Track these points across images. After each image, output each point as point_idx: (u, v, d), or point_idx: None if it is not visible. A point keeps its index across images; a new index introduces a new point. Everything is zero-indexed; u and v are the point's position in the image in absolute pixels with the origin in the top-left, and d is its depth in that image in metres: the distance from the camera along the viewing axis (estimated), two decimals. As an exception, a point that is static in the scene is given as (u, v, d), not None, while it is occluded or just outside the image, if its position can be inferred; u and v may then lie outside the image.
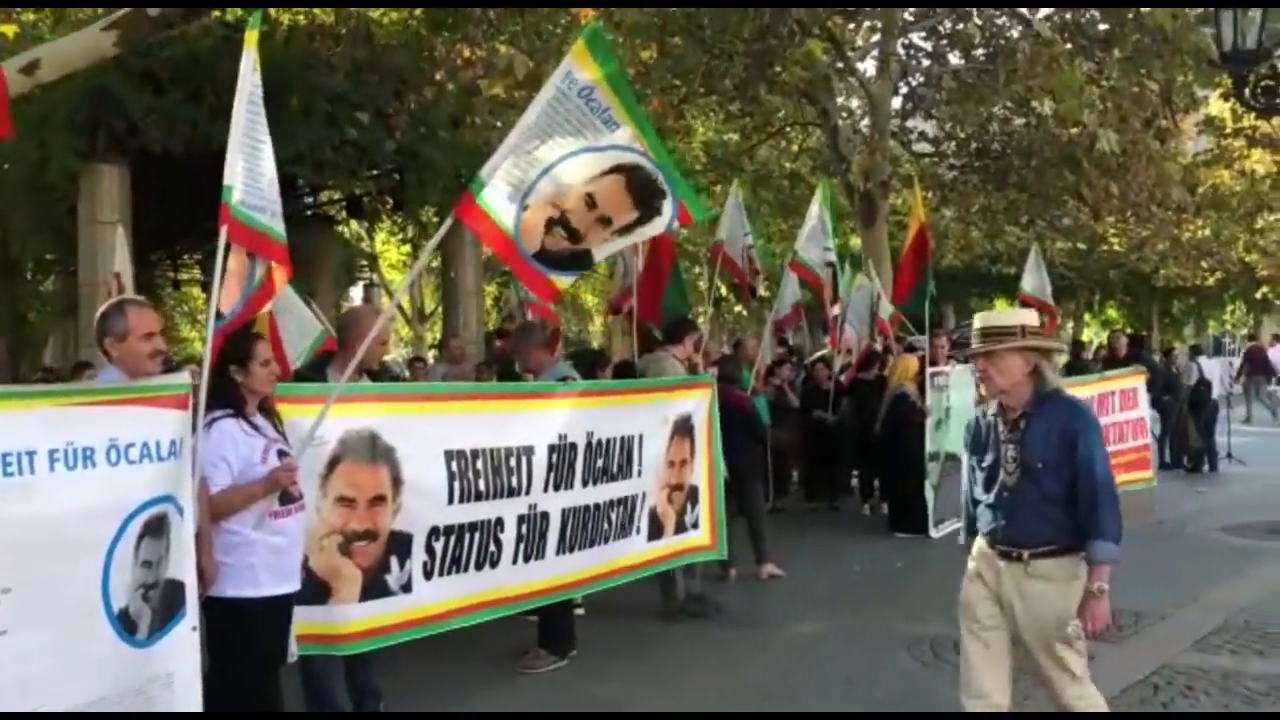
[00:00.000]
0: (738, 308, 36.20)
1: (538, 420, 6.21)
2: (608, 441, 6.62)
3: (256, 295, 4.68)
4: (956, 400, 11.66)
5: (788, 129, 19.49)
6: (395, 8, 10.74)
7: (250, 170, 4.59)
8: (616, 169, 5.94)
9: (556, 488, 6.27)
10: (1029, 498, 4.48)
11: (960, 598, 4.65)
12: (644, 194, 6.05)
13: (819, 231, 11.43)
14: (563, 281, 5.98)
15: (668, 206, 5.97)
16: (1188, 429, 16.36)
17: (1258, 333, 39.21)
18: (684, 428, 7.38)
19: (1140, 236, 26.79)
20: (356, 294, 31.24)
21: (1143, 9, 11.82)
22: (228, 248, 4.52)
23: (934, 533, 11.00)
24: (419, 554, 5.50)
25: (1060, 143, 13.85)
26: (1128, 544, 9.19)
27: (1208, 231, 25.95)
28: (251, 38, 4.51)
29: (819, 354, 15.08)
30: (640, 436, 6.88)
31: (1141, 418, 14.32)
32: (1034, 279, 14.19)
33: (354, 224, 20.17)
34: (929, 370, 11.20)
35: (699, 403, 7.62)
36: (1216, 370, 17.33)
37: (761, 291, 14.06)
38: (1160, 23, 11.25)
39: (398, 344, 42.13)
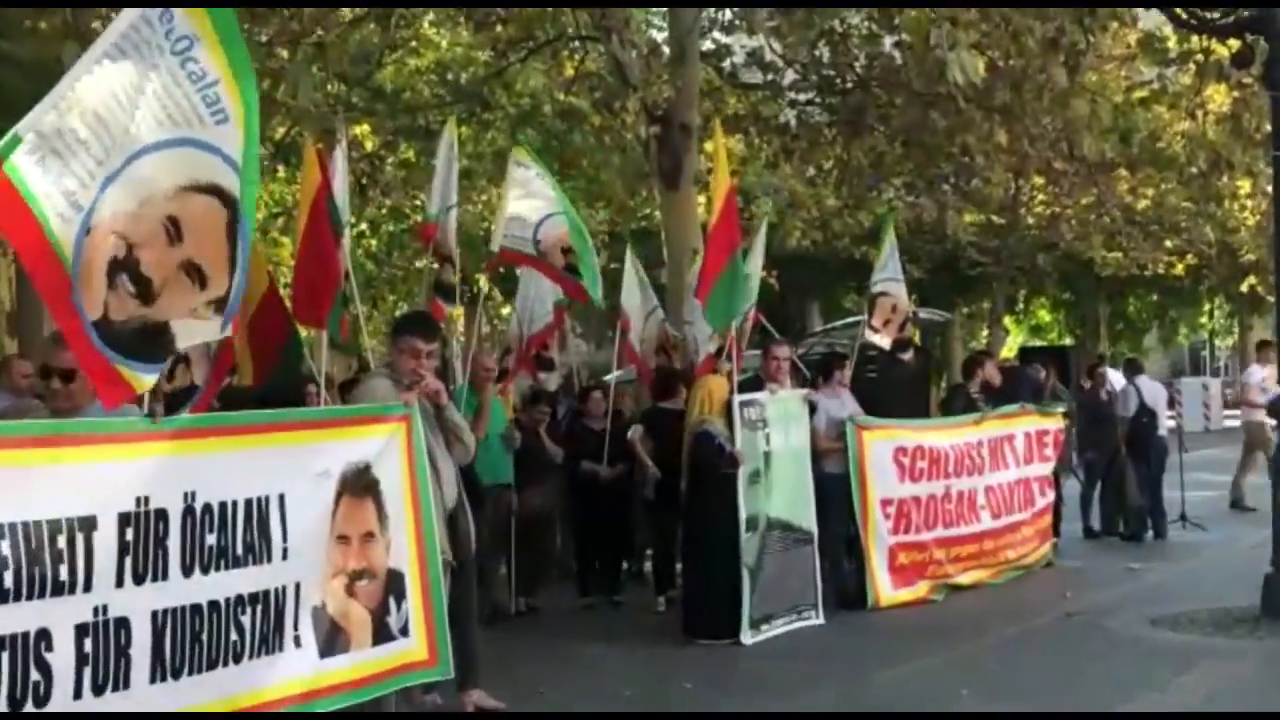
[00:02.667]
0: (506, 308, 36.48)
1: (102, 476, 6.08)
2: (221, 506, 6.56)
3: None
4: (782, 441, 12.04)
5: (560, 44, 19.75)
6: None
7: None
8: (215, 190, 5.95)
9: (139, 579, 6.16)
10: None
11: None
12: (236, 252, 6.08)
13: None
14: (140, 381, 5.94)
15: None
16: (1125, 480, 17.30)
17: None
18: (362, 482, 7.39)
19: (1074, 203, 28.24)
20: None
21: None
22: None
23: (747, 637, 11.28)
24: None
25: (928, 70, 14.50)
26: (1019, 644, 9.62)
27: (1149, 200, 27.44)
28: None
29: (618, 375, 15.37)
30: (281, 498, 6.86)
31: (1048, 473, 15.14)
32: (887, 268, 14.83)
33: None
34: (736, 398, 11.49)
35: (388, 443, 7.62)
36: (1163, 395, 18.23)
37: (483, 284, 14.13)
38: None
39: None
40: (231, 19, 5.84)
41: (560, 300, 14.73)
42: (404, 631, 7.59)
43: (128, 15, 5.57)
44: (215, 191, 5.92)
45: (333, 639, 7.17)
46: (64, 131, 5.54)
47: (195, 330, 6.19)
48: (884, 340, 15.11)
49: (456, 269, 12.73)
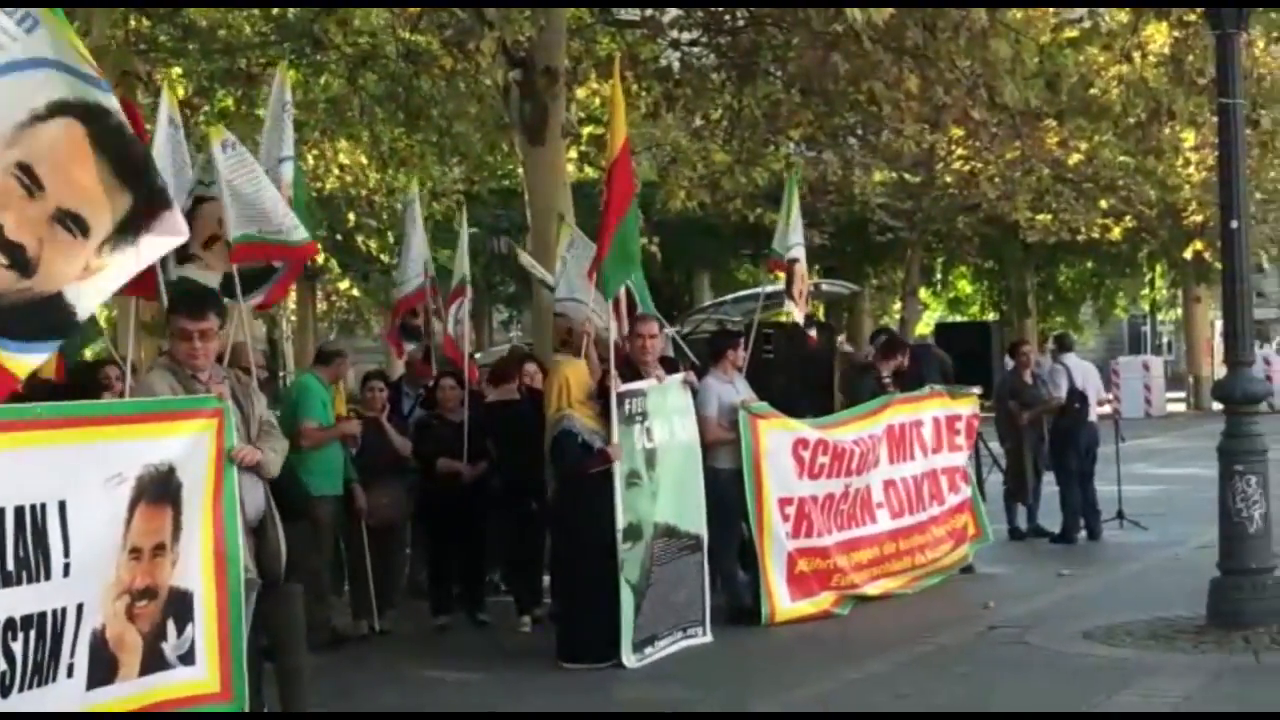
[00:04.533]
0: (344, 282, 36.25)
1: None
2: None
3: None
4: (666, 435, 12.12)
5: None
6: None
7: None
8: (63, 109, 5.77)
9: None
10: None
11: None
12: (128, 159, 5.97)
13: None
14: (22, 365, 5.87)
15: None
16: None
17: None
18: (163, 488, 7.41)
19: (996, 159, 28.51)
20: None
21: None
22: None
23: (630, 660, 11.33)
24: None
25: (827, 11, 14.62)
26: (934, 662, 9.62)
27: (1081, 155, 27.79)
28: None
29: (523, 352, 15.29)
30: (62, 505, 6.84)
31: (963, 465, 15.37)
32: (788, 234, 14.95)
33: None
34: (615, 386, 11.53)
35: (196, 443, 7.62)
36: (1094, 375, 18.52)
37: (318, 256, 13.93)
38: None
39: None
40: None
41: (429, 272, 14.83)
42: (186, 659, 7.57)
43: None
44: (63, 110, 5.73)
45: (104, 667, 7.15)
46: None
47: (99, 286, 6.03)
48: (800, 314, 15.31)
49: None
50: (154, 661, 7.40)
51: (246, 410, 8.32)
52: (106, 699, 7.17)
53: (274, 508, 8.49)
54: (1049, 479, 17.97)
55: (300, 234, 10.82)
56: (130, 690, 7.29)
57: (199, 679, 7.61)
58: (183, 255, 10.69)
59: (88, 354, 14.00)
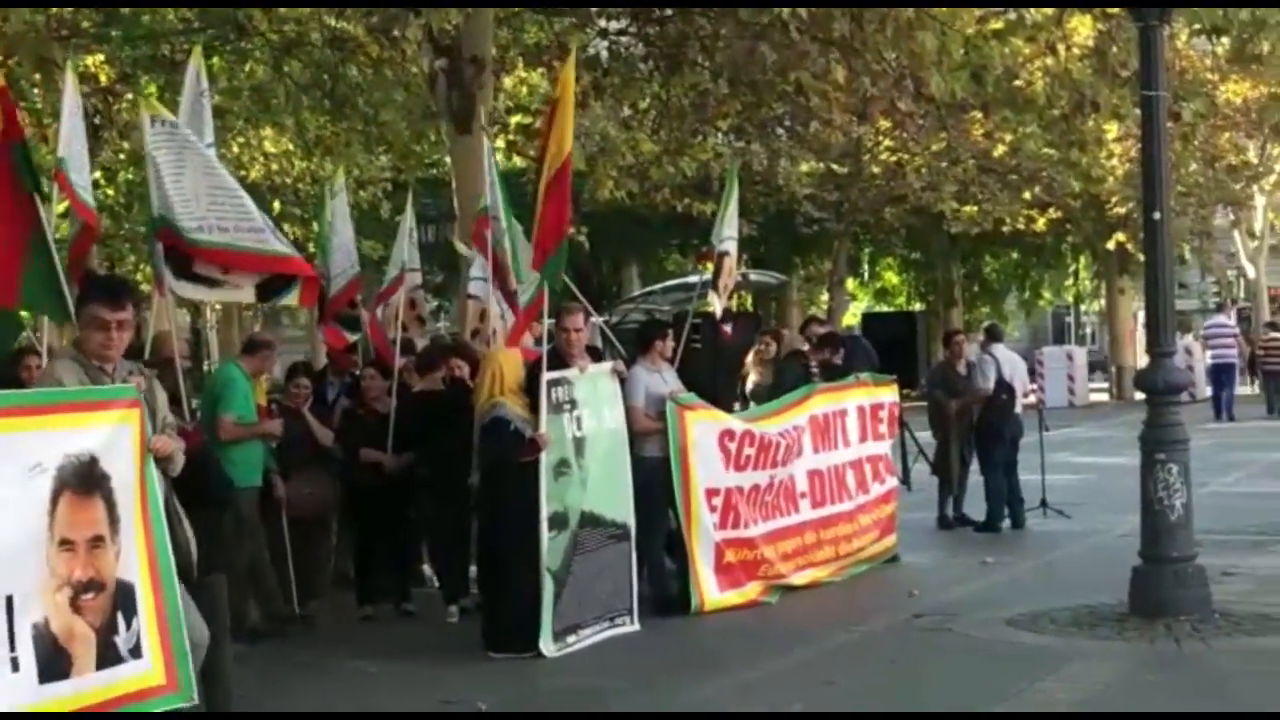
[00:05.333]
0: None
1: None
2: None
3: None
4: (595, 424, 12.16)
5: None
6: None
7: None
8: None
9: None
10: None
11: None
12: None
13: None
14: None
15: None
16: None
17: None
18: (87, 478, 7.37)
19: (922, 150, 28.69)
20: None
21: None
22: None
23: (550, 648, 11.36)
24: None
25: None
26: (859, 651, 9.63)
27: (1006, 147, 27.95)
28: None
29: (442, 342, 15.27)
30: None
31: (886, 453, 15.47)
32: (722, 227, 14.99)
33: None
34: (545, 375, 11.56)
35: (116, 433, 7.59)
36: (1022, 367, 18.69)
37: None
38: None
39: None
40: None
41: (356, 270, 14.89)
42: (135, 652, 7.55)
43: None
44: None
45: (55, 661, 7.11)
46: None
47: None
48: (719, 305, 15.33)
49: None
50: (110, 655, 7.39)
51: (152, 406, 8.19)
52: (64, 694, 7.15)
53: (177, 502, 8.42)
54: (974, 468, 18.09)
55: (212, 238, 10.70)
56: (90, 685, 7.27)
57: (145, 672, 7.59)
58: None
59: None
